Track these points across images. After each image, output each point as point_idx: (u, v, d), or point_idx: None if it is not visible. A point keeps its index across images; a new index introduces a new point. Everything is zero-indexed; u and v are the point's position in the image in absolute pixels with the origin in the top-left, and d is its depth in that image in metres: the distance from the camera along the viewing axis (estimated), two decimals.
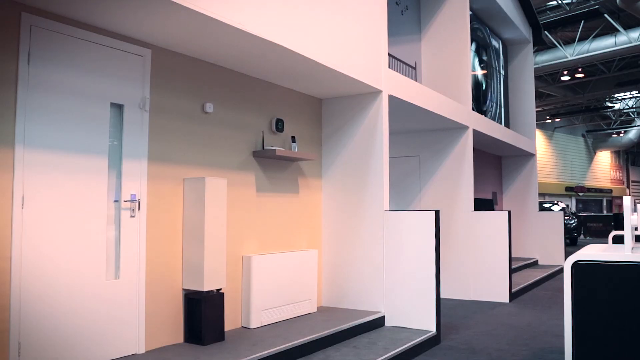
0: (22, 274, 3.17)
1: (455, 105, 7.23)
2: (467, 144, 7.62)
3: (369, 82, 5.23)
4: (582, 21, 16.28)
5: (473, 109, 8.74)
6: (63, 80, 3.44)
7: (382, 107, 5.48)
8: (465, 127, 7.60)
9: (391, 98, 5.70)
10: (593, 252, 3.16)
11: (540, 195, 27.33)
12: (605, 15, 15.66)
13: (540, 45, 16.22)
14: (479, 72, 9.85)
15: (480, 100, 9.82)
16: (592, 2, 15.28)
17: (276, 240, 5.18)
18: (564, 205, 18.74)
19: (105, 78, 3.70)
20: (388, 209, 5.43)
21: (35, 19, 3.28)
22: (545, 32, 15.49)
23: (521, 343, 5.05)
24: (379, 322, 5.21)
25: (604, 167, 35.67)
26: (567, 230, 16.83)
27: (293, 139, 5.32)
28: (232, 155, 4.71)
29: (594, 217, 22.53)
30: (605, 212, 32.28)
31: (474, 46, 9.46)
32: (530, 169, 11.53)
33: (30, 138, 3.24)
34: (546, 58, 18.22)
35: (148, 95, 3.97)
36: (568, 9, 15.81)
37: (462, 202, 7.54)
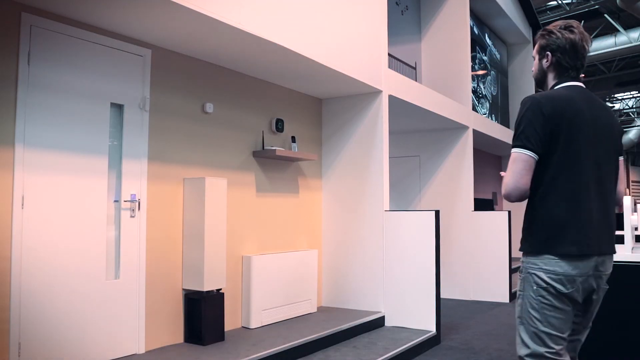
0: (22, 274, 3.17)
1: (455, 105, 7.23)
2: (467, 144, 7.62)
3: (369, 82, 5.22)
4: (582, 21, 16.27)
5: (473, 109, 8.74)
6: (63, 80, 3.44)
7: (382, 107, 5.48)
8: (465, 127, 7.60)
9: (391, 98, 5.70)
10: None
11: None
12: (605, 15, 15.66)
13: None
14: (479, 72, 9.84)
15: (479, 100, 9.81)
16: (592, 2, 15.28)
17: (276, 240, 5.18)
18: None
19: (105, 78, 3.70)
20: (388, 209, 5.43)
21: (35, 19, 3.28)
22: None
23: None
24: (379, 322, 5.21)
25: None
26: None
27: (293, 139, 5.32)
28: (232, 155, 4.71)
29: None
30: None
31: (473, 46, 9.45)
32: None
33: (30, 138, 3.24)
34: None
35: (148, 95, 3.97)
36: (568, 9, 15.80)
37: (462, 202, 7.54)
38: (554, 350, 2.02)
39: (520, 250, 2.11)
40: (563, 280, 1.98)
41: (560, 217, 2.01)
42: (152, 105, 4.02)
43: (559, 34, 2.15)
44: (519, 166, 1.99)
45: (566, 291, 1.98)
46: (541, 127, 1.99)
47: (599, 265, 2.04)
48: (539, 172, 2.03)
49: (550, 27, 2.20)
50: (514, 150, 2.03)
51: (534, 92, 11.92)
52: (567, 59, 2.15)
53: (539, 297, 2.01)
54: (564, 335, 2.04)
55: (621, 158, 2.27)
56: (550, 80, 2.21)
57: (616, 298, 3.00)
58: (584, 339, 2.20)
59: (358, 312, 5.31)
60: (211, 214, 4.14)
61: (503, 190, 2.04)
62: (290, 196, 5.37)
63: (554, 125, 2.00)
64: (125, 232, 3.79)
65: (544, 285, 2.00)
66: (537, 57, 2.24)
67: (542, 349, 2.03)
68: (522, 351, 2.08)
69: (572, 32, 2.14)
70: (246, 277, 4.71)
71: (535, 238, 2.05)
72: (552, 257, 1.99)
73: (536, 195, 2.05)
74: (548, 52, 2.18)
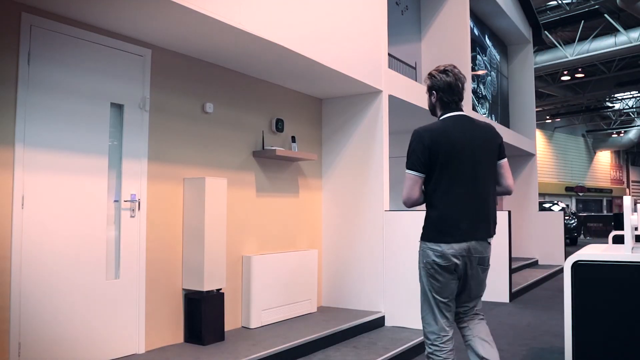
0: (22, 274, 3.17)
1: None
2: None
3: (369, 82, 5.22)
4: (582, 21, 16.27)
5: (473, 109, 8.74)
6: (63, 80, 3.44)
7: (382, 107, 5.48)
8: None
9: (391, 98, 5.70)
10: (593, 252, 3.16)
11: (540, 195, 27.24)
12: (605, 15, 15.65)
13: (540, 45, 16.19)
14: (479, 73, 9.84)
15: (479, 100, 9.81)
16: (592, 2, 15.28)
17: (276, 240, 5.18)
18: (564, 205, 18.74)
19: (105, 78, 3.70)
20: (388, 209, 5.43)
21: (35, 19, 3.28)
22: (545, 32, 15.48)
23: (521, 343, 5.04)
24: (379, 322, 5.21)
25: (604, 167, 35.66)
26: (567, 230, 16.81)
27: (293, 139, 5.32)
28: (232, 155, 4.71)
29: (594, 217, 22.53)
30: (605, 212, 32.26)
31: (473, 47, 9.44)
32: (530, 169, 11.52)
33: (30, 138, 3.24)
34: (546, 58, 18.21)
35: (148, 95, 3.97)
36: (568, 9, 15.80)
37: None
38: (436, 309, 2.80)
39: (420, 239, 2.85)
40: (441, 257, 2.73)
41: (442, 216, 2.75)
42: (152, 105, 4.02)
43: (438, 77, 2.85)
44: (409, 183, 2.80)
45: (443, 264, 2.73)
46: (422, 153, 2.74)
47: (471, 247, 2.74)
48: (428, 184, 2.79)
49: (432, 71, 2.88)
50: (406, 171, 2.81)
51: (533, 92, 11.98)
52: (447, 96, 2.85)
53: (426, 269, 2.79)
54: (442, 298, 2.78)
55: (503, 160, 2.88)
56: (438, 111, 2.92)
57: (616, 298, 3.00)
58: (478, 305, 2.99)
59: (358, 312, 5.31)
60: (211, 214, 4.14)
61: (402, 200, 2.84)
62: (290, 196, 5.37)
63: (432, 150, 2.72)
64: (125, 232, 3.79)
65: (430, 260, 2.76)
66: (427, 95, 2.94)
67: (427, 302, 2.84)
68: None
69: (447, 75, 2.83)
70: (246, 277, 4.71)
71: (428, 230, 2.80)
72: (437, 243, 2.74)
73: (427, 200, 2.82)
74: (433, 91, 2.89)
